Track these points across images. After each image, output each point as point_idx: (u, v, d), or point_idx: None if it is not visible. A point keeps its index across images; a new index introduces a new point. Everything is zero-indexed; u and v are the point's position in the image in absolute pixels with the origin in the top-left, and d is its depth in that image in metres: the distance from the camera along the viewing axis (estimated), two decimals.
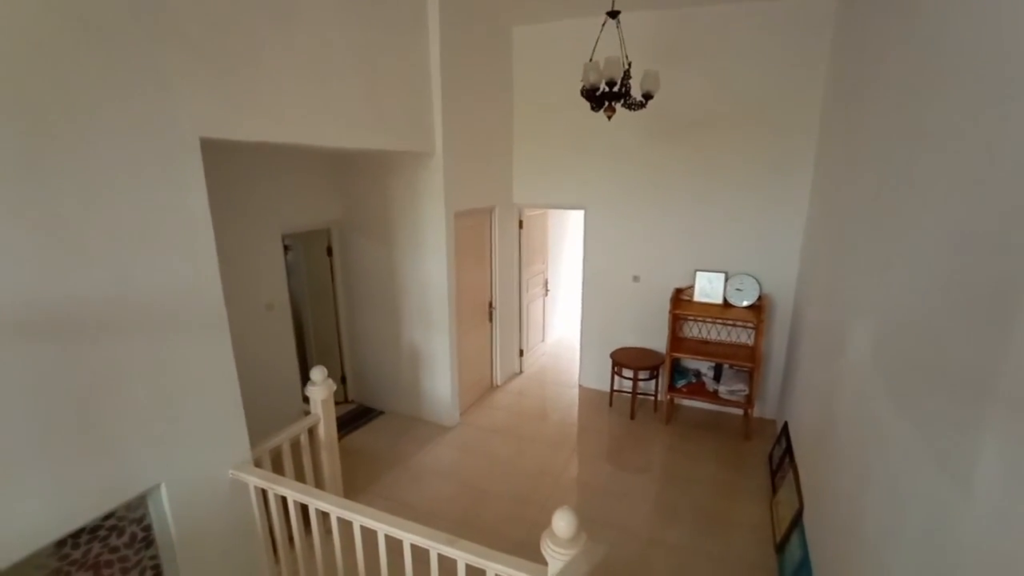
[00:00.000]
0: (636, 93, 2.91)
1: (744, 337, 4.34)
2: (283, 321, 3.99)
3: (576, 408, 4.83)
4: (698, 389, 4.39)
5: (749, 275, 4.19)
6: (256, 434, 2.61)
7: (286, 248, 4.73)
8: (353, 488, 3.58)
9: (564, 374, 5.56)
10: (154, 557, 2.04)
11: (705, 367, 4.54)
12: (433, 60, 3.58)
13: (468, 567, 1.81)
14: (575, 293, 6.19)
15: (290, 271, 4.78)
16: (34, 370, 1.58)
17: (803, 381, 3.35)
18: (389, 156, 3.96)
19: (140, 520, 1.94)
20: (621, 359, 4.55)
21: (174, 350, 2.05)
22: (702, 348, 4.32)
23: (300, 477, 2.95)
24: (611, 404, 4.82)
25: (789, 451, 3.38)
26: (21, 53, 1.48)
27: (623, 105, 2.89)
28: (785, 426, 3.69)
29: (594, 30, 3.16)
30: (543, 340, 6.14)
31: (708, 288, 4.33)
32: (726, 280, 4.27)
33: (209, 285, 2.20)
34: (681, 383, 4.44)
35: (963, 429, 1.18)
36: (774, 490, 3.38)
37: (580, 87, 2.92)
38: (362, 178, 4.23)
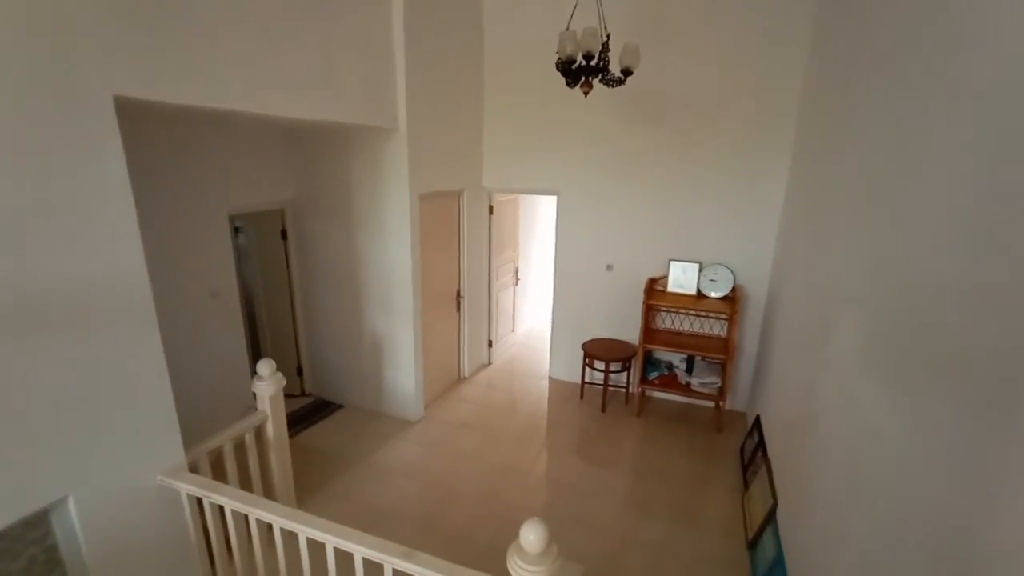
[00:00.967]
0: (615, 68, 2.72)
1: (717, 329, 4.27)
2: (231, 309, 3.68)
3: (546, 401, 4.69)
4: (670, 381, 4.31)
5: (723, 265, 4.10)
6: (197, 435, 2.35)
7: (237, 231, 4.39)
8: (308, 489, 3.34)
9: (535, 365, 5.41)
10: None
11: (678, 359, 4.46)
12: (396, 29, 3.30)
13: None
14: (547, 282, 6.04)
15: (241, 256, 4.44)
16: None
17: (777, 374, 3.29)
18: (349, 132, 3.67)
19: (42, 540, 1.67)
20: (593, 350, 4.42)
21: (87, 345, 1.77)
22: (675, 340, 4.23)
23: (245, 481, 2.70)
24: (582, 397, 4.70)
25: (762, 445, 3.31)
26: None
27: (601, 81, 2.71)
28: (757, 419, 3.63)
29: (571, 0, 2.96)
30: (513, 330, 5.96)
31: (682, 278, 4.23)
32: (700, 270, 4.18)
33: (131, 271, 1.92)
34: (653, 375, 4.35)
35: (975, 428, 1.06)
36: (746, 485, 3.32)
37: (556, 60, 2.71)
38: (319, 155, 3.93)
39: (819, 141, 2.90)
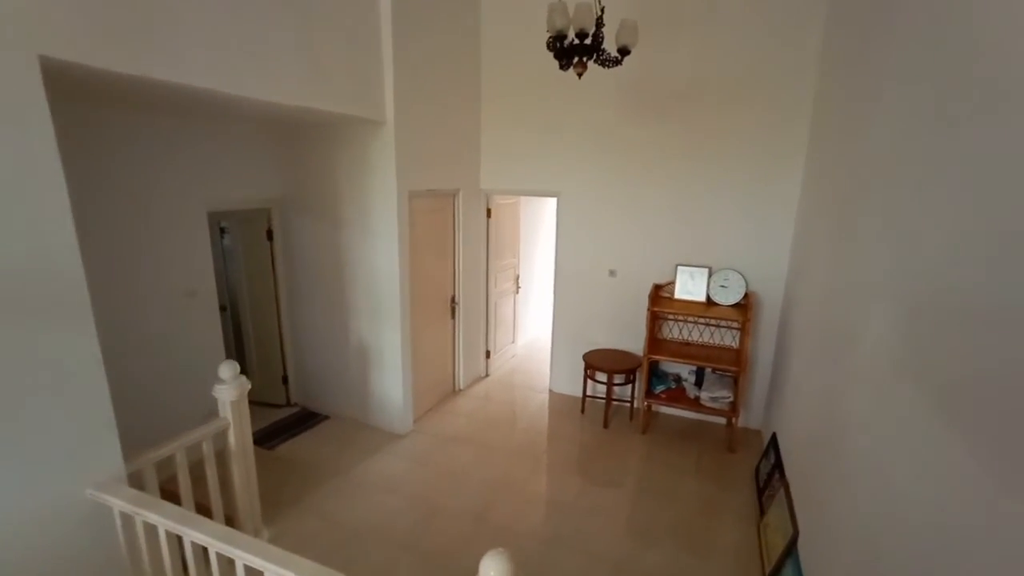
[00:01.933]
0: (611, 48, 2.50)
1: (729, 339, 3.96)
2: (208, 310, 3.47)
3: (545, 415, 4.39)
4: (678, 395, 3.99)
5: (735, 270, 3.81)
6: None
7: (222, 232, 4.22)
8: (281, 503, 3.08)
9: (535, 377, 5.12)
10: None
11: (686, 371, 4.15)
12: (384, 12, 3.12)
13: None
14: (548, 291, 5.77)
15: (227, 257, 4.27)
16: None
17: (795, 386, 2.97)
18: (335, 125, 3.49)
19: None
20: (594, 361, 4.13)
21: (5, 337, 1.56)
22: (683, 350, 3.93)
23: (203, 495, 2.45)
24: (583, 411, 4.39)
25: (779, 466, 2.99)
26: None
27: (596, 61, 2.49)
28: (773, 437, 3.30)
29: None
30: (513, 341, 5.69)
31: (690, 284, 3.94)
32: (710, 276, 3.89)
33: (62, 256, 1.71)
34: (659, 389, 4.04)
35: None
36: (762, 510, 2.98)
37: (546, 39, 2.50)
38: (306, 150, 3.75)
39: (842, 128, 2.64)
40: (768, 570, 2.50)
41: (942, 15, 1.52)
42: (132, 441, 2.13)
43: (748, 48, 3.53)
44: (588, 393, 4.37)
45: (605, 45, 2.49)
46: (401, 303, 3.64)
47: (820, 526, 2.08)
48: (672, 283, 4.00)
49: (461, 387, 4.78)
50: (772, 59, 3.47)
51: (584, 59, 2.43)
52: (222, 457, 2.51)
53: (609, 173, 4.12)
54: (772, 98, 3.53)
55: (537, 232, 6.24)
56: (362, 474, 3.43)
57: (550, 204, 5.79)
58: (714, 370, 3.98)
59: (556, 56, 2.48)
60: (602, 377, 4.10)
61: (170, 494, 2.32)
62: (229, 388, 2.43)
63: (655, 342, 3.99)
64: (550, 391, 4.81)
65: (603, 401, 4.24)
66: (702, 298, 3.89)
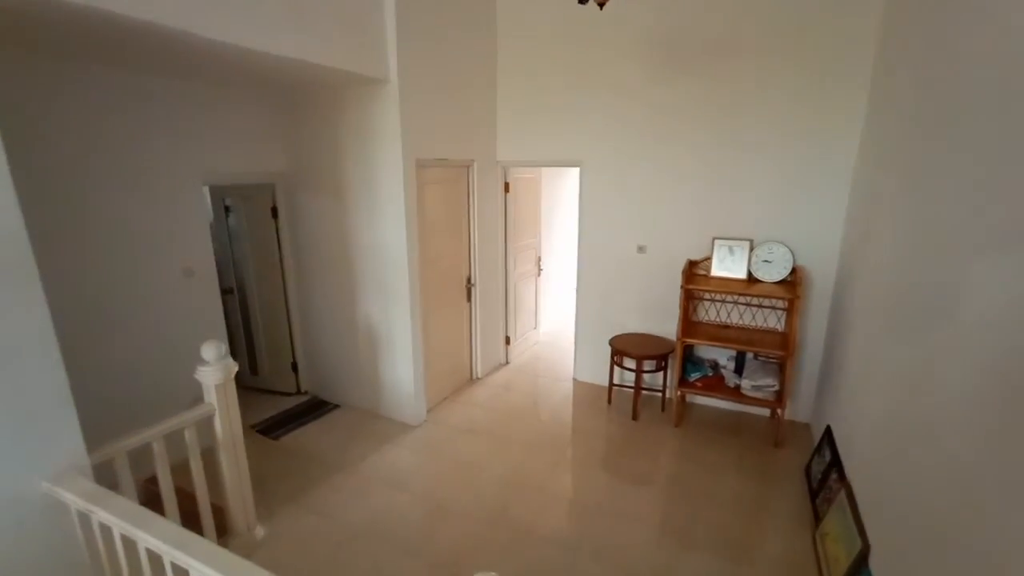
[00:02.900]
0: None
1: (773, 320, 3.54)
2: (208, 292, 3.27)
3: (569, 405, 4.07)
4: (715, 384, 3.60)
5: (780, 243, 3.39)
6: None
7: (227, 210, 4.02)
8: (279, 498, 2.86)
9: (559, 366, 4.79)
10: None
11: (724, 357, 3.75)
12: None
13: None
14: (573, 274, 5.42)
15: (232, 237, 4.07)
16: None
17: (858, 371, 2.56)
18: (336, 87, 3.22)
19: None
20: (622, 347, 3.77)
21: None
22: (721, 333, 3.53)
23: (185, 488, 2.23)
24: (610, 401, 4.05)
25: (836, 465, 2.60)
26: None
27: None
28: (828, 431, 2.90)
29: None
30: (535, 327, 5.37)
31: (729, 260, 3.54)
32: (751, 250, 3.48)
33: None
34: (695, 376, 3.65)
35: None
36: (817, 516, 2.60)
37: None
38: (307, 118, 3.49)
39: (912, 61, 2.20)
40: None
41: None
42: (118, 434, 1.92)
43: None
44: (615, 382, 4.02)
45: None
46: (411, 282, 3.37)
47: (901, 540, 1.70)
48: (708, 259, 3.60)
49: (479, 375, 4.49)
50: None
51: None
52: (189, 446, 2.26)
53: (637, 138, 3.73)
54: (823, 44, 3.07)
55: (561, 211, 5.88)
56: (369, 467, 3.18)
57: (572, 183, 5.43)
58: (756, 355, 3.58)
59: None
60: (631, 364, 3.75)
61: (156, 494, 2.10)
62: (213, 370, 2.19)
63: (689, 324, 3.61)
64: (574, 380, 4.48)
65: (632, 390, 3.88)
66: (742, 275, 3.48)
